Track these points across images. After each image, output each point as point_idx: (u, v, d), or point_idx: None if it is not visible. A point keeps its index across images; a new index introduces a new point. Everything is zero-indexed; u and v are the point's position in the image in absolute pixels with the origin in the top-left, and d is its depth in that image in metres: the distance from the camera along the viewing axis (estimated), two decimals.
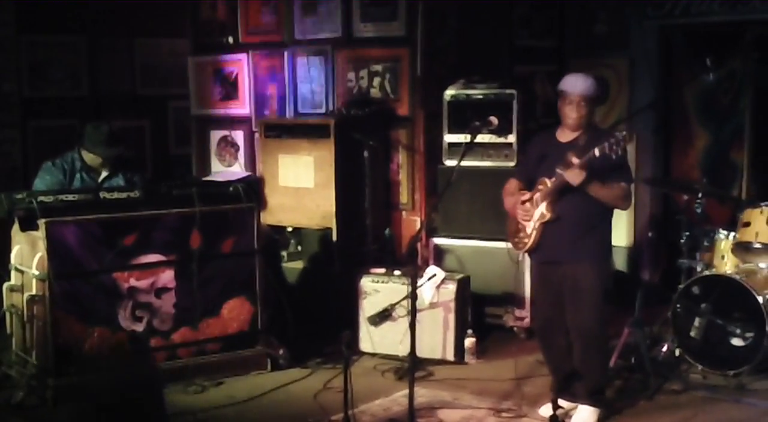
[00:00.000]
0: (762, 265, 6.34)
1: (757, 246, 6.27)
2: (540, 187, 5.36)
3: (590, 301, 5.33)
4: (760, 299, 5.98)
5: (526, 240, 5.45)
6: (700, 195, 6.48)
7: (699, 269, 6.45)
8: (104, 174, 6.44)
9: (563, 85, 5.39)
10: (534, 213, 5.38)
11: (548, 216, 5.32)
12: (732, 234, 6.40)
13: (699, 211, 6.49)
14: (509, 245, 5.80)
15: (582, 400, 5.47)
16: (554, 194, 5.29)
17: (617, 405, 5.66)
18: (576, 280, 5.33)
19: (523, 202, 5.45)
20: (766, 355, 6.00)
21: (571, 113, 5.34)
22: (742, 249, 6.36)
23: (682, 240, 6.56)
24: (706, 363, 6.17)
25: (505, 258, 6.99)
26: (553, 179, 5.26)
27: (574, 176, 5.13)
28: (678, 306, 6.32)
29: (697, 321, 6.24)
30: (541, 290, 5.64)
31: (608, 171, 5.18)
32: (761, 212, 6.28)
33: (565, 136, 5.41)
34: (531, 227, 5.40)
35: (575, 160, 5.11)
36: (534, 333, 6.58)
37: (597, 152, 5.05)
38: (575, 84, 5.35)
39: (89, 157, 6.40)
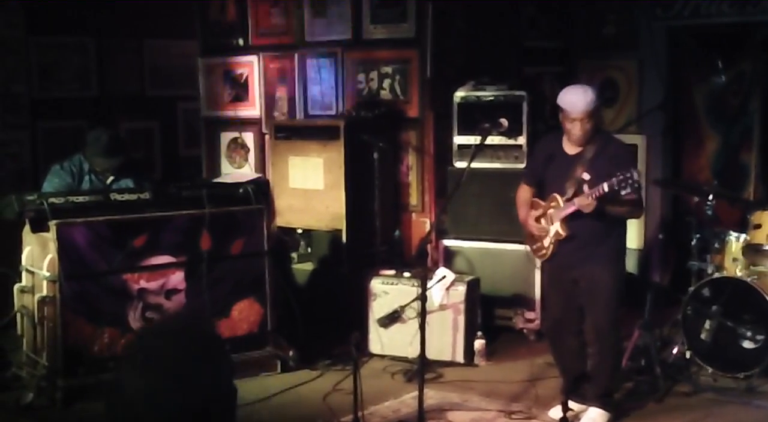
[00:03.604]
0: None
1: None
2: (552, 204, 5.36)
3: (606, 303, 5.34)
4: None
5: (544, 252, 5.48)
6: (710, 197, 6.47)
7: (709, 271, 6.43)
8: (112, 176, 6.44)
9: (562, 102, 5.31)
10: (549, 230, 5.39)
11: (563, 234, 5.33)
12: (742, 236, 6.38)
13: (709, 212, 6.47)
14: (528, 248, 5.81)
15: (591, 402, 5.46)
16: (567, 217, 5.30)
17: (627, 407, 5.65)
18: (592, 282, 5.34)
19: (537, 219, 5.45)
20: None
21: (574, 130, 5.29)
22: (752, 251, 6.33)
23: (692, 242, 6.54)
24: (716, 365, 6.15)
25: (514, 259, 7.01)
26: (565, 198, 5.26)
27: (586, 206, 5.13)
28: (688, 308, 6.30)
29: (707, 324, 6.23)
30: (552, 291, 5.65)
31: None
32: None
33: (571, 147, 5.38)
34: (548, 241, 5.41)
35: (585, 191, 5.12)
36: (544, 335, 6.59)
37: (606, 187, 5.04)
38: (575, 102, 5.26)
39: (94, 163, 6.40)
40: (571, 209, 5.23)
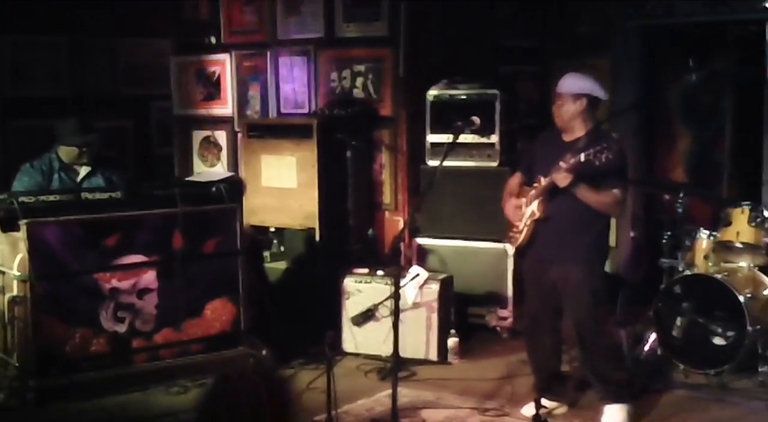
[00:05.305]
0: (743, 264, 6.36)
1: (738, 245, 6.30)
2: (535, 185, 5.38)
3: (582, 300, 5.32)
4: (741, 298, 6.00)
5: (517, 236, 5.48)
6: (681, 194, 6.51)
7: (680, 268, 6.47)
8: (83, 173, 6.39)
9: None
10: (526, 211, 5.40)
11: (538, 214, 5.34)
12: (713, 233, 6.43)
13: (680, 210, 6.51)
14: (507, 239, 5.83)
15: (605, 401, 5.42)
16: (545, 194, 5.30)
17: (597, 405, 5.66)
18: (567, 280, 5.33)
19: (518, 205, 5.47)
20: (747, 354, 6.02)
21: (555, 111, 5.37)
22: (723, 248, 6.38)
23: (663, 240, 6.58)
24: (687, 362, 6.19)
25: (488, 258, 7.04)
26: (548, 178, 5.27)
27: (561, 178, 5.13)
28: (660, 305, 6.34)
29: (678, 321, 6.26)
30: (531, 289, 5.64)
31: (598, 176, 5.15)
32: (742, 212, 6.31)
33: (568, 135, 5.39)
34: (523, 223, 5.42)
35: (563, 163, 5.13)
36: (520, 332, 6.61)
37: (582, 158, 5.04)
38: (562, 82, 5.39)
39: (66, 152, 6.34)
40: (547, 182, 5.23)
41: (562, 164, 5.13)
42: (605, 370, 5.42)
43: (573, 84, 5.36)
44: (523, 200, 5.47)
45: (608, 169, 5.09)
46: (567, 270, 5.33)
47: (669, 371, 6.20)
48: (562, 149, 5.27)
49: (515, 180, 5.66)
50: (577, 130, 5.34)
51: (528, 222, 5.41)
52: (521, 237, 5.47)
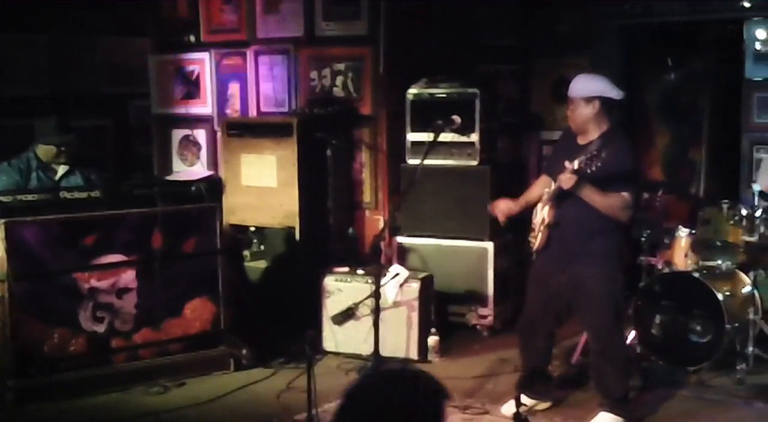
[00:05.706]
0: (721, 263, 6.40)
1: (717, 244, 6.34)
2: (547, 190, 5.35)
3: (598, 305, 5.27)
4: (720, 296, 6.04)
5: (534, 241, 5.45)
6: (660, 193, 6.54)
7: (660, 266, 6.50)
8: (61, 172, 6.36)
9: None
10: (538, 217, 5.39)
11: (548, 220, 5.30)
12: (692, 231, 6.46)
13: (659, 208, 6.54)
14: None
15: (601, 407, 5.38)
16: (553, 199, 5.26)
17: (579, 402, 5.69)
18: (581, 285, 5.27)
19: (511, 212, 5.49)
20: (725, 351, 6.06)
21: (569, 115, 5.32)
22: (701, 246, 6.41)
23: (642, 238, 6.61)
24: (666, 359, 6.22)
25: (468, 256, 7.05)
26: (556, 184, 5.21)
27: (566, 180, 5.05)
28: (639, 303, 6.36)
29: (658, 319, 6.29)
30: (534, 291, 5.57)
31: (600, 180, 5.08)
32: (720, 210, 6.35)
33: (582, 138, 5.32)
34: (537, 230, 5.41)
35: (566, 165, 5.08)
36: (501, 331, 6.64)
37: (576, 165, 5.00)
38: (571, 85, 5.30)
39: (44, 151, 6.32)
40: (555, 187, 5.19)
41: (566, 166, 5.06)
42: (611, 380, 5.38)
43: (583, 87, 5.26)
44: (539, 205, 5.43)
45: (601, 175, 5.01)
46: (580, 277, 5.26)
47: (648, 368, 6.22)
48: (575, 152, 5.15)
49: (537, 182, 5.60)
50: (591, 133, 5.25)
51: (542, 229, 5.37)
52: (537, 243, 5.42)
